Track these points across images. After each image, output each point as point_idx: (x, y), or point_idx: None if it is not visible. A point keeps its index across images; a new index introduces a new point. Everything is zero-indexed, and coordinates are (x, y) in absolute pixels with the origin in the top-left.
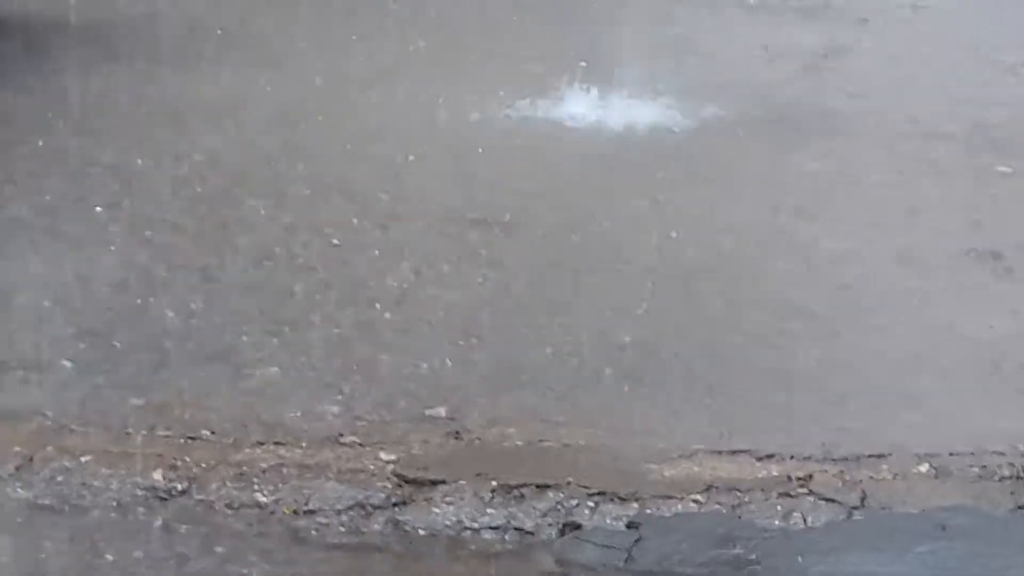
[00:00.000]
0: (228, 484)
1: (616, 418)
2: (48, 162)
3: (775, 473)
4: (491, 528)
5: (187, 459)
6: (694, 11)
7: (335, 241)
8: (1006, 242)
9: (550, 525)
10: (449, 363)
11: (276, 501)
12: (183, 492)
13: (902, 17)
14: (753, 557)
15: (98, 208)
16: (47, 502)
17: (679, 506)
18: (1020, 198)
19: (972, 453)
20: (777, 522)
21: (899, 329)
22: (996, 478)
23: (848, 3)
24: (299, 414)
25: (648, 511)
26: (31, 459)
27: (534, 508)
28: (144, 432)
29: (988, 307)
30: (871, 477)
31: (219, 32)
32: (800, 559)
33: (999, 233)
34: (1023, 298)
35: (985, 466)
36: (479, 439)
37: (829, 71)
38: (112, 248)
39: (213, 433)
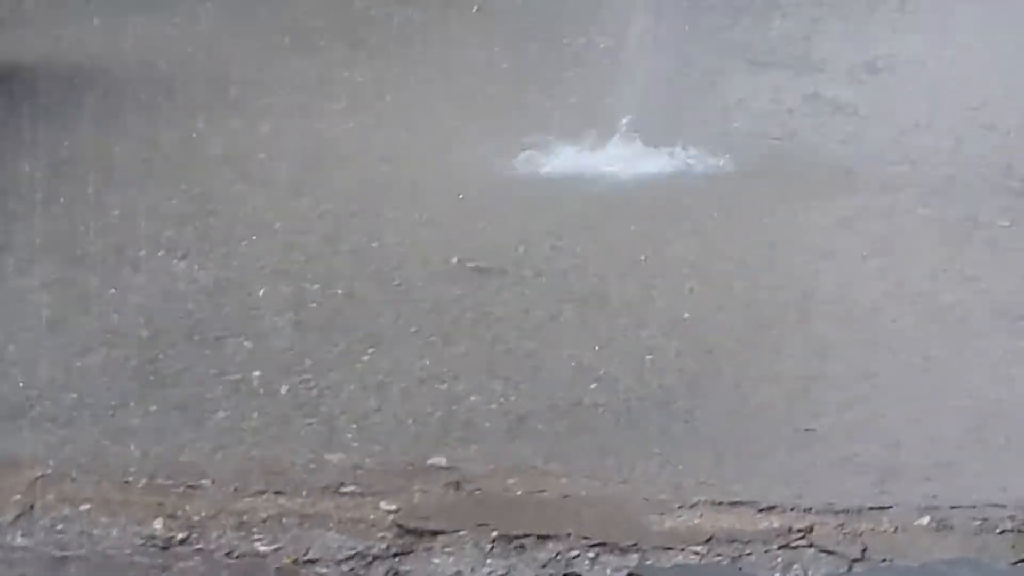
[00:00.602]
0: (228, 533)
1: (616, 468)
2: (45, 205)
3: (776, 525)
4: None
5: (187, 508)
6: (702, 62)
7: (339, 291)
8: (1012, 299)
9: None
10: (450, 413)
11: (276, 551)
12: (183, 541)
13: (912, 70)
14: None
15: (98, 254)
16: (48, 550)
17: (679, 557)
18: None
19: (973, 506)
20: (777, 574)
21: (899, 384)
22: (997, 531)
23: (857, 55)
24: (300, 463)
25: (648, 562)
26: (31, 507)
27: (534, 559)
28: (144, 480)
29: (987, 365)
30: (872, 529)
31: (229, 81)
32: None
33: (1001, 287)
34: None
35: (986, 519)
36: (480, 489)
37: (844, 122)
38: (112, 293)
39: (213, 482)
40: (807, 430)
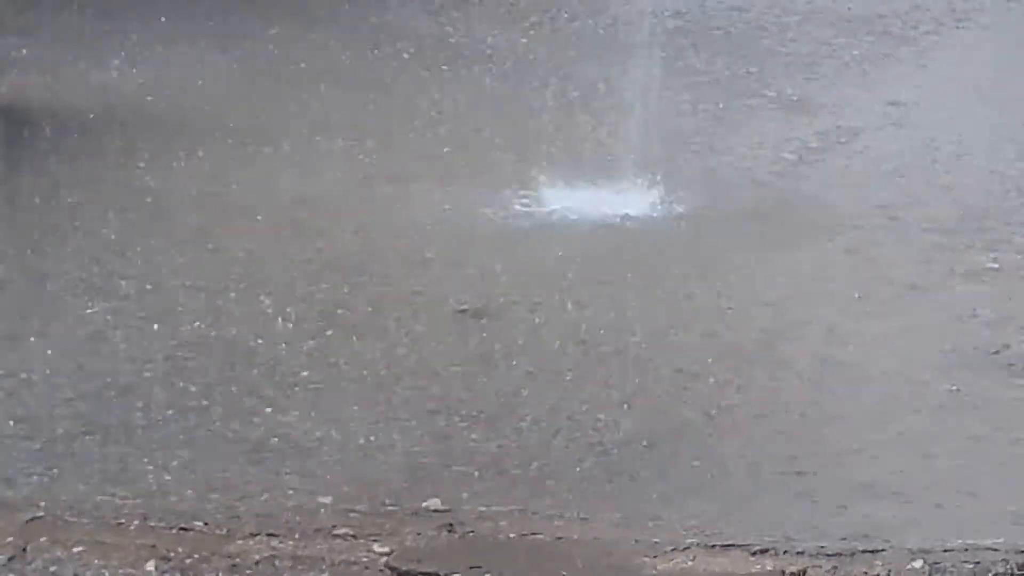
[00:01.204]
0: (221, 575)
1: (609, 511)
2: (39, 251)
3: (769, 568)
4: None
5: (180, 550)
6: (698, 105)
7: (330, 332)
8: (1005, 340)
9: None
10: (444, 455)
11: None
12: None
13: (901, 113)
14: None
15: (90, 305)
16: None
17: None
18: (1010, 292)
19: (966, 549)
20: None
21: (895, 424)
22: (990, 574)
23: (852, 97)
24: (292, 506)
25: None
26: (24, 549)
27: None
28: (137, 522)
29: (980, 407)
30: (865, 573)
31: (215, 124)
32: None
33: (997, 327)
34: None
35: (979, 562)
36: (473, 531)
37: (838, 165)
38: (109, 337)
39: (206, 524)
40: (798, 472)
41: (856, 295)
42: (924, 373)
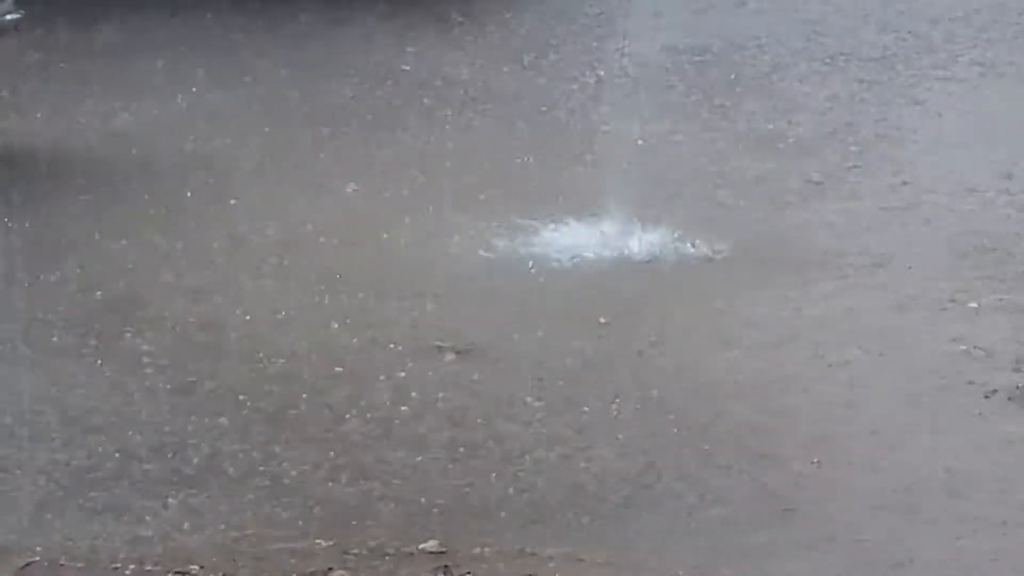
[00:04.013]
0: None
1: (604, 551)
2: (31, 298)
3: None
4: None
5: None
6: (692, 145)
7: (321, 373)
8: (1000, 380)
9: None
10: (440, 496)
11: None
12: None
13: (902, 148)
14: None
15: (89, 342)
16: None
17: None
18: (1004, 331)
19: None
20: None
21: (890, 470)
22: None
23: (849, 135)
24: (288, 548)
25: None
26: None
27: None
28: (132, 566)
29: (969, 447)
30: None
31: (203, 165)
32: None
33: (992, 367)
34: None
35: None
36: (469, 572)
37: (837, 205)
38: (102, 372)
39: (201, 567)
40: (786, 510)
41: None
42: (915, 409)
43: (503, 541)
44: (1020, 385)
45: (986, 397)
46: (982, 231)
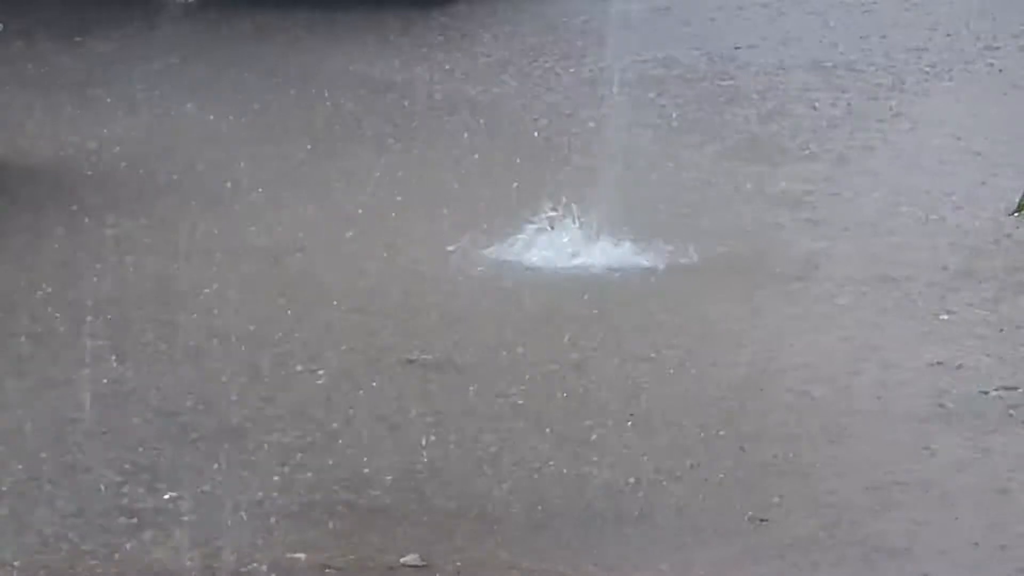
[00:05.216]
0: None
1: (589, 564)
2: (19, 318)
3: None
4: None
5: None
6: (664, 155)
7: (320, 377)
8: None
9: None
10: (422, 509)
11: None
12: None
13: (881, 158)
14: None
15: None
16: None
17: None
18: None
19: None
20: None
21: (881, 481)
22: None
23: (827, 145)
24: (268, 561)
25: None
26: None
27: None
28: None
29: (950, 461)
30: None
31: (190, 177)
32: None
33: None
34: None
35: None
36: None
37: (809, 213)
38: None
39: None
40: (762, 520)
41: None
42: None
43: (483, 555)
44: (998, 398)
45: (959, 409)
46: (961, 242)
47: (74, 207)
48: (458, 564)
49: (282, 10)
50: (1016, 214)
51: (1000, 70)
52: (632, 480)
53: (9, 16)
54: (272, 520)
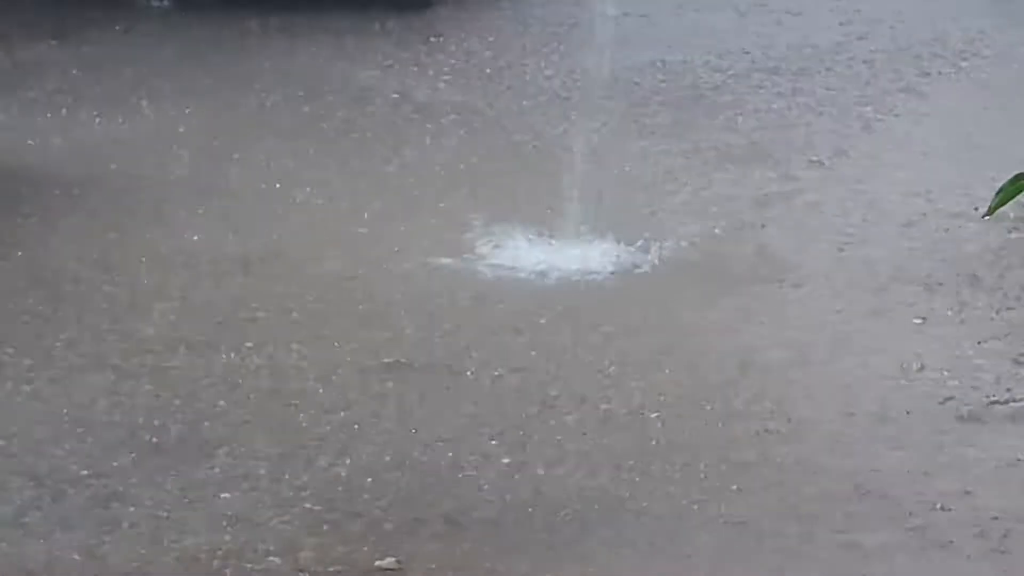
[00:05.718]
0: None
1: (567, 570)
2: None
3: None
4: None
5: None
6: (648, 159)
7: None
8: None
9: None
10: (398, 513)
11: None
12: None
13: (856, 163)
14: None
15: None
16: None
17: None
18: (960, 347)
19: None
20: None
21: (832, 476)
22: None
23: (802, 147)
24: (242, 566)
25: None
26: None
27: None
28: None
29: (936, 465)
30: None
31: (168, 181)
32: None
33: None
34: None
35: None
36: None
37: (780, 216)
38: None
39: None
40: (739, 523)
41: None
42: (879, 424)
43: (460, 558)
44: (972, 402)
45: (926, 414)
46: (939, 248)
47: (53, 214)
48: (433, 567)
49: (259, 15)
50: (987, 217)
51: (983, 70)
52: (615, 482)
53: None
54: (248, 523)
